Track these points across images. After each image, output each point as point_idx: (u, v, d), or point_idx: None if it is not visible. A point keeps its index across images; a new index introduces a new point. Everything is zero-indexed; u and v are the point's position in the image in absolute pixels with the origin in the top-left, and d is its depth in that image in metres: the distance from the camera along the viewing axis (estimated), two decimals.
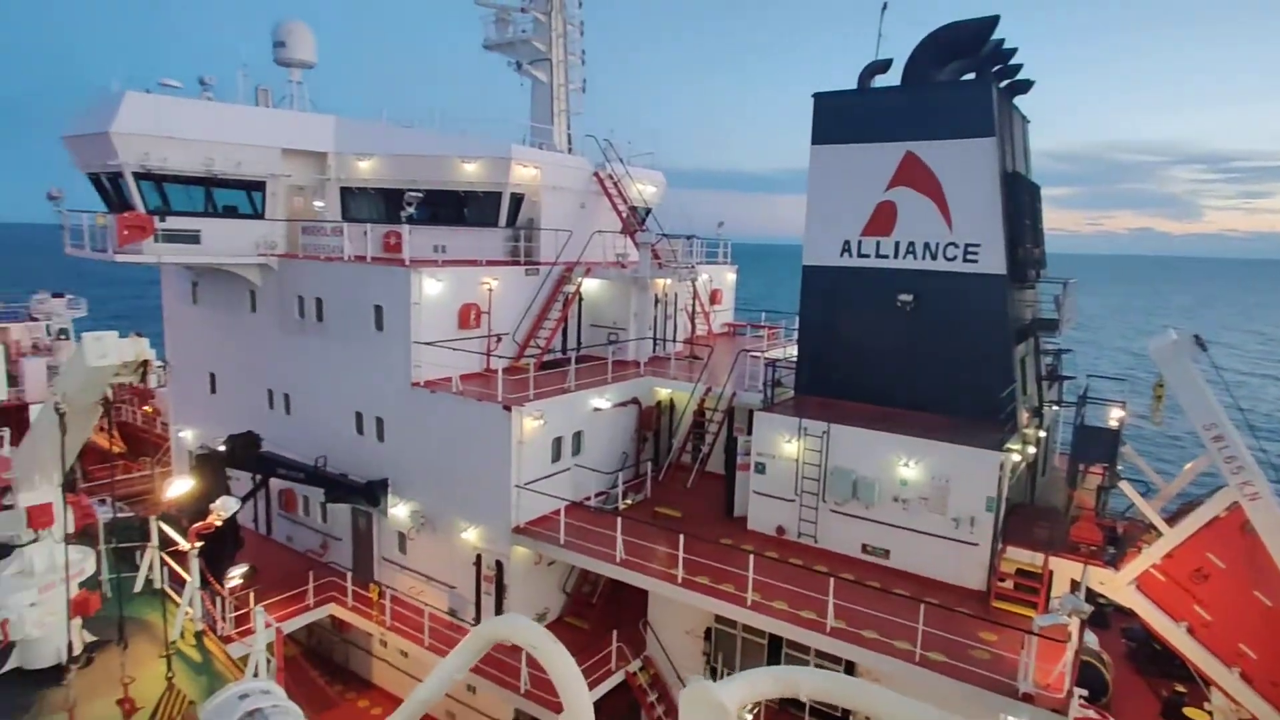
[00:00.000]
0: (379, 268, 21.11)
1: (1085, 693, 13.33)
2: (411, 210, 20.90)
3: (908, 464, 16.87)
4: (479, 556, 19.61)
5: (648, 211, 30.59)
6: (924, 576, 16.62)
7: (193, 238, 22.43)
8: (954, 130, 18.07)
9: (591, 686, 17.59)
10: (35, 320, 46.04)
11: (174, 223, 22.01)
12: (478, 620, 19.63)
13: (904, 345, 19.20)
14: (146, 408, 39.71)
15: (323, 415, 22.88)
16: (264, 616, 12.28)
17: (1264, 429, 52.66)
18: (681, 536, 16.66)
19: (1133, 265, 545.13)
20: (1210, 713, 17.97)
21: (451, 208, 24.86)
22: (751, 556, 15.79)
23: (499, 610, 19.33)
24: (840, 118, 19.72)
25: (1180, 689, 19.41)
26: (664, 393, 23.45)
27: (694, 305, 28.49)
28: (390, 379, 20.86)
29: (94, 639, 14.13)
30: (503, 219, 24.82)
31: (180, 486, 17.91)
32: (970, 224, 18.17)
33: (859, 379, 19.80)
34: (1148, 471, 17.95)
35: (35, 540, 13.16)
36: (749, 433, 19.65)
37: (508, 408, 18.53)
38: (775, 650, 16.65)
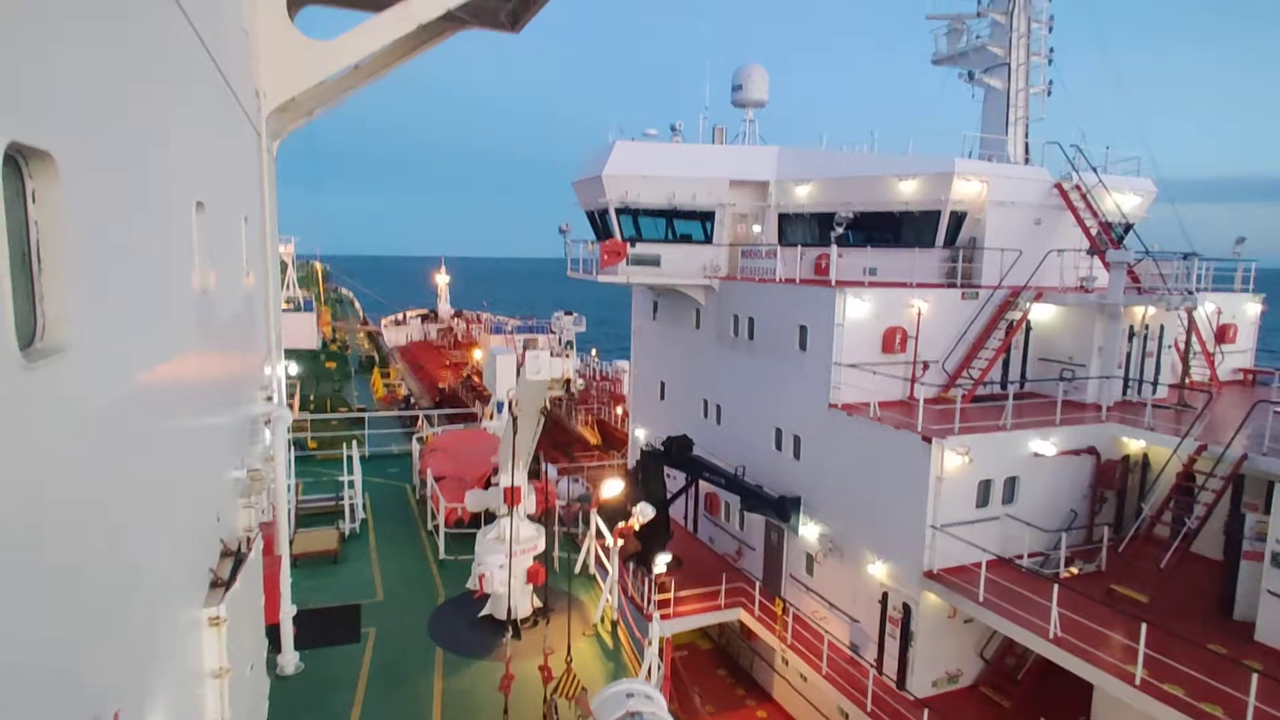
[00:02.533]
0: (805, 288, 21.46)
1: None
2: (840, 230, 20.75)
3: None
4: (885, 595, 18.37)
5: (1127, 228, 25.38)
6: None
7: (654, 261, 25.84)
8: None
9: None
10: (552, 333, 59.08)
11: (641, 249, 25.67)
12: (879, 663, 18.38)
13: None
14: (619, 409, 47.37)
15: (746, 427, 24.14)
16: (658, 622, 13.29)
17: None
18: (1144, 625, 13.12)
19: None
20: None
21: (886, 229, 24.06)
22: (1255, 677, 11.62)
23: (903, 657, 17.80)
24: None
25: None
26: (1134, 445, 18.99)
27: (1189, 341, 22.57)
28: (809, 398, 20.97)
29: (540, 606, 17.13)
30: (940, 239, 23.08)
31: (612, 488, 20.71)
32: None
33: None
34: None
35: (508, 514, 16.54)
36: (1266, 511, 14.65)
37: (928, 439, 17.01)
38: None
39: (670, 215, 26.03)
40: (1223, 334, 24.72)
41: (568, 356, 12.52)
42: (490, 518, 17.38)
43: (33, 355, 3.48)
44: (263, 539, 10.93)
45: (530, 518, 15.57)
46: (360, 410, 39.31)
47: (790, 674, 21.23)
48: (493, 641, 15.92)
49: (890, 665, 18.16)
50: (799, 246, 23.37)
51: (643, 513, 16.86)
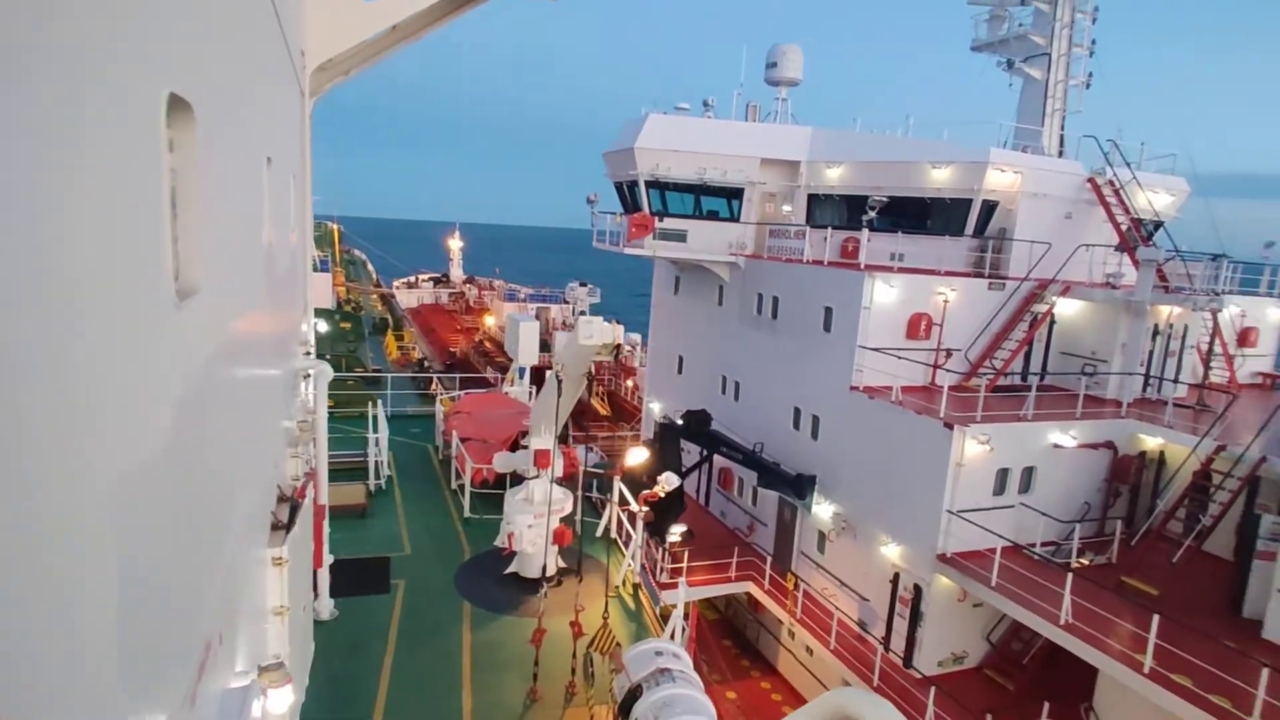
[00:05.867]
0: (833, 271, 21.58)
1: None
2: (873, 215, 20.81)
3: None
4: (896, 575, 18.74)
5: (1158, 225, 25.33)
6: None
7: (680, 236, 25.93)
8: None
9: None
10: (567, 303, 59.26)
11: (668, 224, 25.75)
12: (886, 641, 18.82)
13: None
14: (629, 382, 47.76)
15: (765, 405, 24.41)
16: (684, 586, 13.69)
17: None
18: (1155, 617, 13.45)
19: None
20: None
21: (915, 215, 24.07)
22: (1266, 672, 11.95)
23: (911, 636, 18.21)
24: None
25: None
26: (1151, 442, 19.21)
27: (1212, 343, 22.67)
28: (831, 380, 21.19)
29: (564, 566, 17.56)
30: (970, 228, 23.11)
31: (637, 455, 21.04)
32: None
33: None
34: None
35: (537, 476, 16.89)
36: None
37: (949, 425, 17.26)
38: None
39: (699, 191, 26.06)
40: (1244, 337, 24.79)
41: (617, 324, 12.73)
42: (516, 479, 17.76)
43: (179, 293, 3.73)
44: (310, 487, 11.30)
45: (557, 482, 15.93)
46: (376, 371, 39.71)
47: (796, 647, 21.72)
48: (519, 598, 16.37)
49: (898, 643, 18.58)
50: (828, 228, 23.43)
51: (668, 481, 17.22)
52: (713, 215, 26.47)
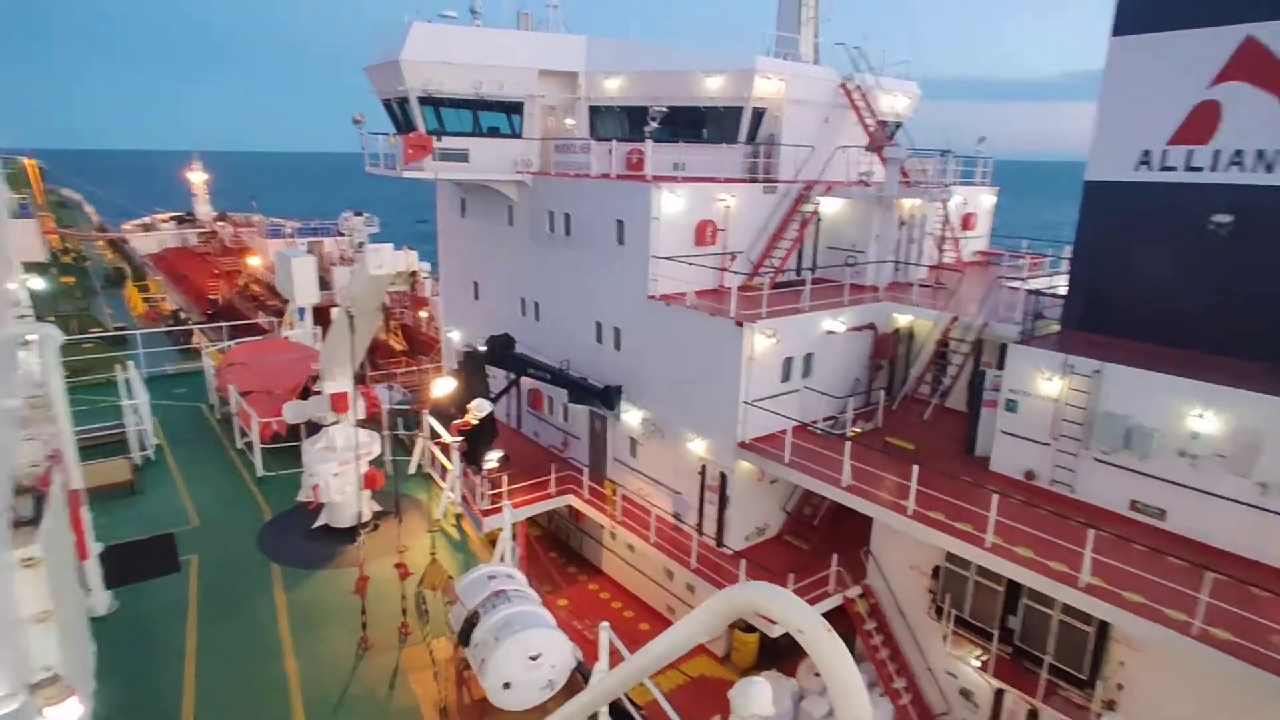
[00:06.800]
0: (622, 184, 21.81)
1: None
2: (654, 126, 21.13)
3: (1202, 415, 14.39)
4: (704, 467, 20.22)
5: (898, 126, 28.24)
6: (1212, 545, 14.32)
7: (462, 156, 24.67)
8: None
9: (813, 604, 17.81)
10: (342, 235, 54.54)
11: (448, 143, 24.33)
12: (699, 526, 20.42)
13: (1212, 277, 16.13)
14: (423, 312, 45.69)
15: (567, 323, 24.59)
16: (509, 508, 13.79)
17: None
18: (915, 467, 15.82)
19: None
20: None
21: (692, 125, 24.79)
22: (995, 496, 14.61)
23: (720, 518, 19.92)
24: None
25: None
26: (903, 320, 22.05)
27: (944, 229, 26.14)
28: (628, 291, 21.75)
29: (379, 509, 16.89)
30: (743, 135, 24.31)
31: (444, 386, 20.42)
32: None
33: (1145, 314, 17.08)
34: None
35: (336, 422, 15.85)
36: (999, 367, 17.93)
37: (740, 324, 18.54)
38: (1013, 598, 15.45)
39: (476, 106, 24.75)
40: (967, 222, 28.84)
41: (409, 250, 11.92)
42: (313, 428, 16.53)
43: None
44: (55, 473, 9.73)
45: (360, 424, 15.06)
46: (120, 329, 34.47)
47: (618, 547, 22.96)
48: (333, 550, 15.55)
49: (709, 527, 20.26)
50: (611, 141, 23.48)
51: (479, 408, 16.94)
52: (494, 132, 25.39)
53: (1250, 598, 12.26)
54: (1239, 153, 15.65)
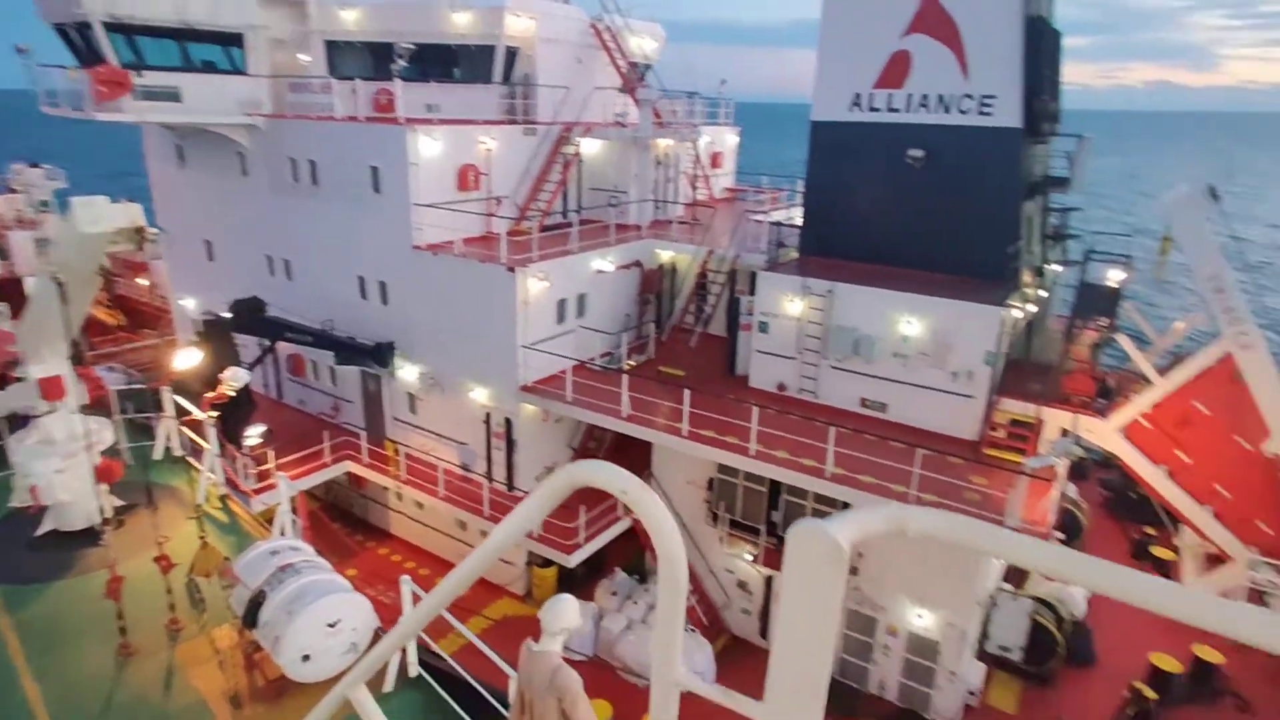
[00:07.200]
0: (374, 127, 20.41)
1: (1061, 536, 14.26)
2: (402, 64, 19.93)
3: (910, 321, 17.13)
4: (488, 415, 20.20)
5: (647, 68, 29.23)
6: (920, 428, 17.29)
7: (173, 95, 21.43)
8: None
9: (598, 534, 18.81)
10: (15, 192, 44.78)
11: (151, 78, 20.96)
12: (489, 474, 20.50)
13: (912, 203, 18.99)
14: (142, 279, 39.45)
15: (325, 280, 22.82)
16: (285, 481, 12.85)
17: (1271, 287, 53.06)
18: (686, 392, 17.14)
19: (1149, 122, 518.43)
20: (1176, 549, 19.30)
21: (443, 64, 23.69)
22: (755, 409, 16.34)
23: (509, 463, 20.14)
24: None
25: (1150, 531, 20.76)
26: (666, 256, 23.37)
27: (695, 168, 27.82)
28: (391, 242, 20.65)
29: (122, 504, 14.82)
30: (497, 74, 23.73)
31: (189, 358, 18.15)
32: (987, 74, 17.51)
33: (864, 238, 19.72)
34: (1145, 327, 18.30)
35: (51, 411, 13.51)
36: (752, 294, 19.80)
37: (512, 269, 18.51)
38: (775, 496, 17.56)
39: (183, 37, 21.49)
40: (715, 160, 30.89)
41: (129, 203, 10.22)
42: (19, 421, 13.93)
43: None
44: None
45: (84, 410, 12.99)
46: None
47: (406, 507, 22.36)
48: (68, 557, 13.44)
49: (499, 473, 20.43)
50: (354, 80, 21.75)
51: (235, 379, 15.30)
52: (209, 67, 22.29)
53: (948, 465, 15.11)
54: (925, 96, 18.40)
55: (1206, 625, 1.27)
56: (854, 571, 16.73)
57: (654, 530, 1.96)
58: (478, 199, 21.66)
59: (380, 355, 21.12)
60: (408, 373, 21.39)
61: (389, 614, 10.03)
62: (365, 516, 23.93)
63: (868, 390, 18.09)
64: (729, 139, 31.87)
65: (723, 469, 17.89)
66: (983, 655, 16.65)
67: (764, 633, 18.98)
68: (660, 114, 24.04)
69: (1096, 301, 17.73)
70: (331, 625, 9.38)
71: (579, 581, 19.74)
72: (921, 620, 16.04)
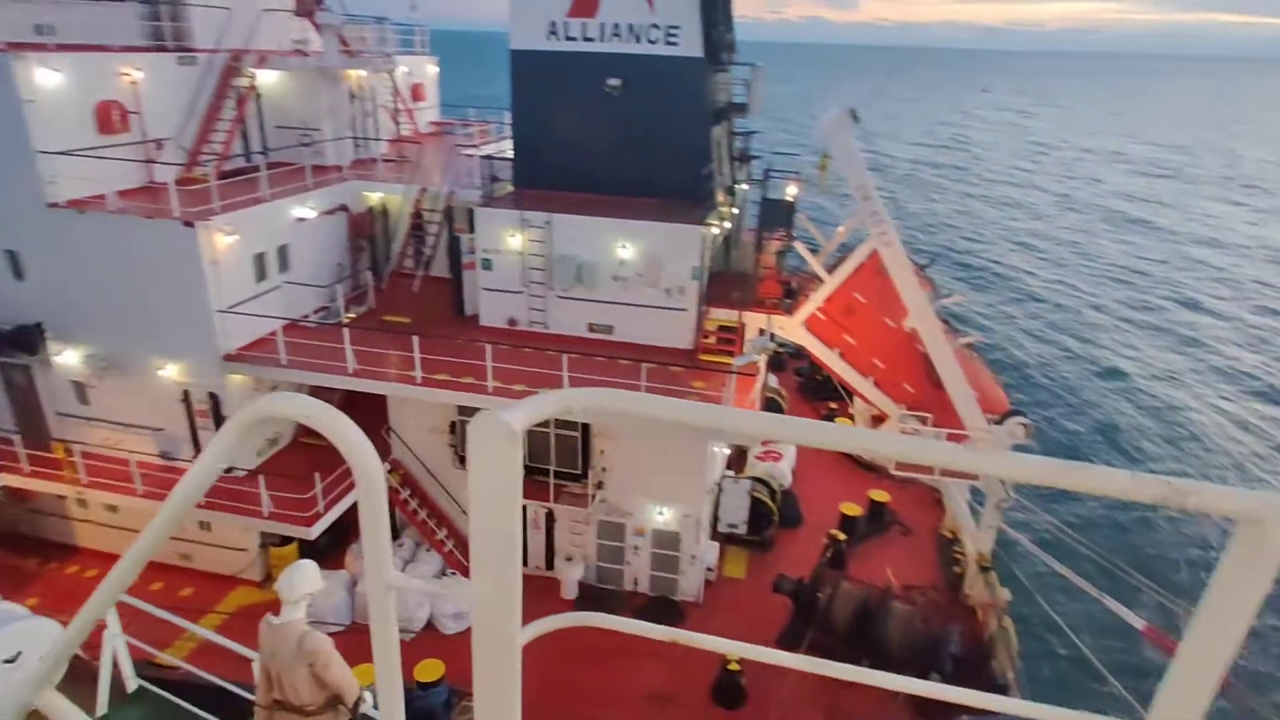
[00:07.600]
0: None
1: None
2: None
3: (625, 246, 18.08)
4: (186, 393, 17.75)
5: None
6: (643, 344, 18.56)
7: None
8: None
9: (338, 499, 17.77)
10: None
11: None
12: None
13: (615, 131, 19.74)
14: None
15: None
16: None
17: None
18: (415, 338, 16.54)
19: (807, 52, 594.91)
20: (852, 416, 23.28)
21: None
22: (489, 347, 16.30)
23: None
24: None
25: (833, 406, 24.78)
26: (374, 197, 21.89)
27: (395, 102, 26.07)
28: (15, 202, 16.76)
29: None
30: None
31: None
32: (670, 5, 18.50)
33: (574, 167, 20.17)
34: (815, 233, 21.25)
35: None
36: (471, 231, 19.43)
37: (190, 224, 16.10)
38: None
39: None
40: (416, 93, 29.17)
41: None
42: None
43: None
44: None
45: None
46: None
47: (95, 514, 19.16)
48: None
49: None
50: None
51: None
52: None
53: (670, 374, 16.52)
54: (617, 25, 18.99)
55: (855, 449, 1.82)
56: (600, 485, 17.81)
57: (345, 448, 1.97)
58: (130, 143, 18.30)
59: (24, 341, 17.37)
60: (68, 358, 17.89)
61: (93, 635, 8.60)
62: (40, 534, 20.03)
63: (594, 315, 18.91)
64: (428, 69, 30.20)
65: (464, 410, 17.71)
66: (715, 535, 18.88)
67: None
68: (348, 41, 21.99)
69: (777, 215, 20.13)
70: (10, 661, 7.84)
71: (325, 552, 18.54)
72: (663, 516, 17.66)
